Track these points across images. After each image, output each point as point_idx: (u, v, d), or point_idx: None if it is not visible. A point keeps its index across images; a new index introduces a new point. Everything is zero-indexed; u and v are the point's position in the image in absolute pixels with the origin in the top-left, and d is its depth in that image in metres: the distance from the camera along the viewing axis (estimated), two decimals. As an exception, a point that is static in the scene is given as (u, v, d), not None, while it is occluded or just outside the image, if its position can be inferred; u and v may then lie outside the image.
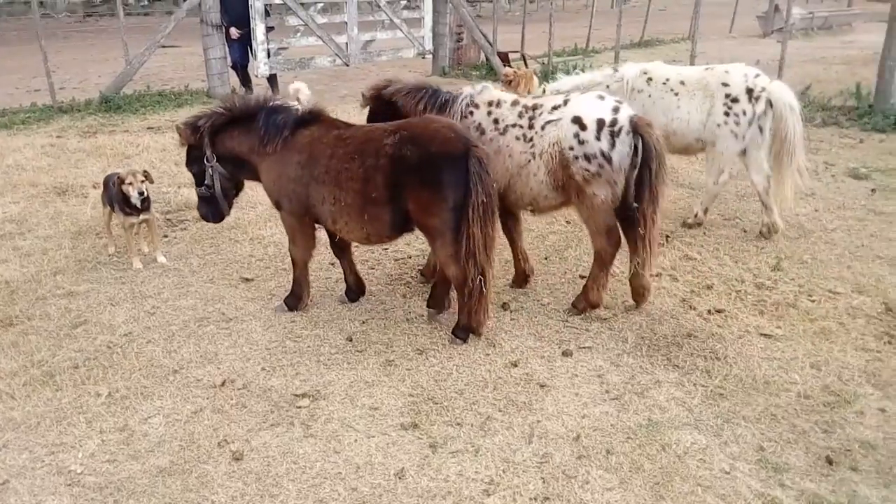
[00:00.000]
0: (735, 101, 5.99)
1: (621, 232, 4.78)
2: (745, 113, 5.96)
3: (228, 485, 3.43)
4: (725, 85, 6.04)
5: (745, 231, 6.47)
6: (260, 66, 12.61)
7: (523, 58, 14.04)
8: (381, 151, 4.28)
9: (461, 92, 5.13)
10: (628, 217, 4.67)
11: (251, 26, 12.31)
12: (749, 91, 5.97)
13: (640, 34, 20.64)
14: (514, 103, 4.97)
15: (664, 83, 6.31)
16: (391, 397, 4.10)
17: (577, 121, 4.56)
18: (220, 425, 3.86)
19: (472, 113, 5.02)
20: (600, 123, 4.52)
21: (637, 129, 4.50)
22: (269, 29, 12.62)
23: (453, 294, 4.87)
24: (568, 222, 6.73)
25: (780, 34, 23.87)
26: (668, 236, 6.31)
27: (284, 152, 4.64)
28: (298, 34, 13.27)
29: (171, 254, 6.14)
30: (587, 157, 4.51)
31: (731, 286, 5.39)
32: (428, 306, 5.05)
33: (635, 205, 4.54)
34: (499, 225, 4.55)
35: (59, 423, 3.88)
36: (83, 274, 5.71)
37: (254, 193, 6.45)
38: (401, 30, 14.65)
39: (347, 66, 14.03)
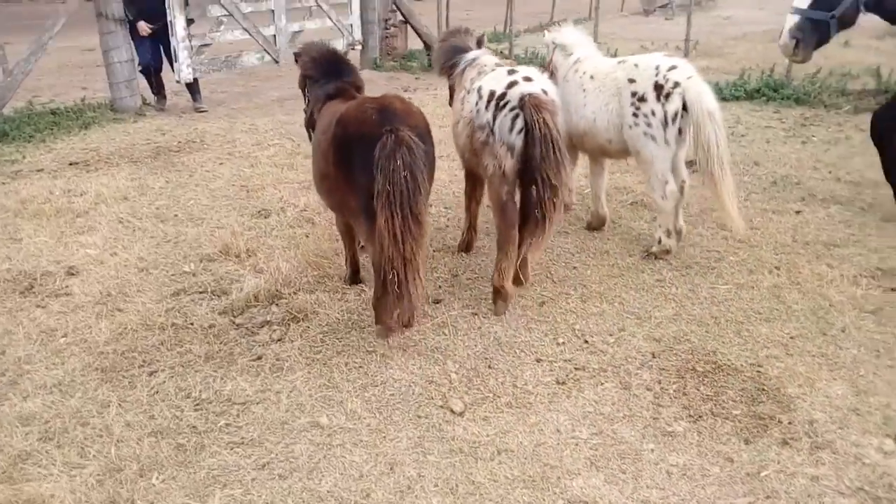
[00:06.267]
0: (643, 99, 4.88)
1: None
2: (654, 113, 4.83)
3: None
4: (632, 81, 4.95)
5: None
6: (182, 69, 10.04)
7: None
8: (332, 126, 4.21)
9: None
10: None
11: (168, 19, 9.70)
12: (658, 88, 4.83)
13: (547, 13, 19.77)
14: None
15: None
16: None
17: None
18: None
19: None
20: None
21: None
22: (189, 21, 10.04)
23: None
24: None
25: (662, 12, 24.43)
26: None
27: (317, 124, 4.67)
28: (222, 27, 10.71)
29: (295, 392, 3.83)
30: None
31: None
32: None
33: None
34: (426, 222, 3.99)
35: None
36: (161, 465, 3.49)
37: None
38: (329, 17, 12.51)
39: (277, 62, 11.65)
